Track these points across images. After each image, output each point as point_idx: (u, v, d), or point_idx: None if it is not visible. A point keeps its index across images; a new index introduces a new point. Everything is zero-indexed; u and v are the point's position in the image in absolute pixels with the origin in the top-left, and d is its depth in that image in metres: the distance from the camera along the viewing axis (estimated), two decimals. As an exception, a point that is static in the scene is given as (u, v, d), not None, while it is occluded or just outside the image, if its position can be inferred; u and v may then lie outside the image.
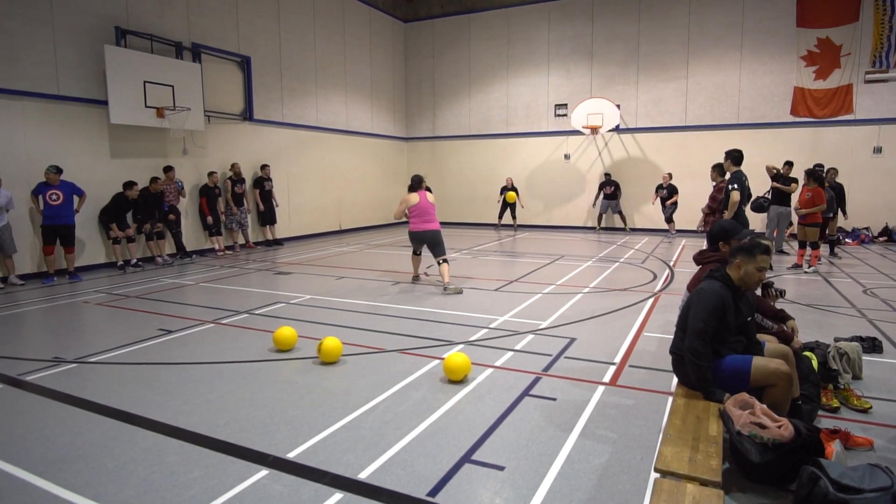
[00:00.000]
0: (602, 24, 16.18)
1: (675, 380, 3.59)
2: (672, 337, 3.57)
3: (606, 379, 4.43)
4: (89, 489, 2.91)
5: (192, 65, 11.36)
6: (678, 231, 15.10)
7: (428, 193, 8.35)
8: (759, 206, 11.16)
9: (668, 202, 14.84)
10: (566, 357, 4.98)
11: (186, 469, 3.09)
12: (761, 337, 3.66)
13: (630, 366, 4.74)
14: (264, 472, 3.05)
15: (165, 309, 6.96)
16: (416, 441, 3.39)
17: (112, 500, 2.80)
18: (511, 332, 5.77)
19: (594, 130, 15.67)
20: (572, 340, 5.47)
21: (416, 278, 8.69)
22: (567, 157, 16.99)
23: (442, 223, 18.12)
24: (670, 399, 3.90)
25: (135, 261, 10.16)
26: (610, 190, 15.90)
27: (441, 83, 18.77)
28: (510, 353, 5.08)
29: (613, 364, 4.78)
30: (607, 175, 16.12)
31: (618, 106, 15.75)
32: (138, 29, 10.45)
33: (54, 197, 8.88)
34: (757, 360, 3.21)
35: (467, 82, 18.27)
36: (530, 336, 5.64)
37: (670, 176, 14.98)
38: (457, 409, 3.87)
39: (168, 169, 10.93)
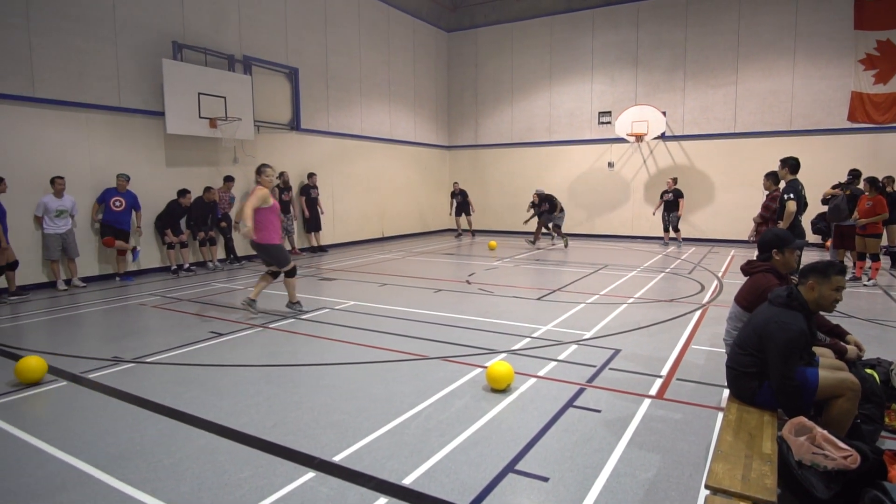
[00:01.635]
0: (648, 30, 15.93)
1: (726, 394, 3.49)
2: (725, 351, 3.47)
3: (653, 392, 4.34)
4: (147, 484, 3.04)
5: (244, 77, 11.76)
6: (679, 241, 14.66)
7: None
8: (819, 230, 10.71)
9: (672, 213, 14.41)
10: (611, 368, 4.90)
11: (237, 468, 3.19)
12: (815, 350, 3.53)
13: (678, 379, 4.62)
14: (311, 474, 3.12)
15: (216, 312, 7.20)
16: (460, 449, 3.40)
17: (168, 496, 2.92)
18: (554, 342, 5.72)
19: (639, 138, 15.41)
20: (617, 351, 5.39)
21: (292, 304, 7.30)
22: (611, 165, 16.75)
23: (482, 231, 17.50)
24: (720, 414, 3.80)
25: (187, 265, 10.57)
26: (545, 207, 14.66)
27: (483, 91, 18.84)
28: (553, 363, 5.04)
29: (660, 377, 4.68)
30: (538, 195, 14.85)
31: (664, 113, 15.45)
32: (194, 43, 10.91)
33: (118, 203, 9.41)
34: (823, 371, 3.09)
35: (510, 90, 18.28)
36: (574, 346, 5.58)
37: (675, 181, 14.55)
38: (500, 418, 3.86)
39: (228, 179, 11.39)
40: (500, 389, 4.33)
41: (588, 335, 6.00)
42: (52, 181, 8.71)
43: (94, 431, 3.72)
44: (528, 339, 5.85)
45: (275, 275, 7.29)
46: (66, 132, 9.16)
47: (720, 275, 9.98)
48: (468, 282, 9.35)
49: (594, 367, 4.94)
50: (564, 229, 15.34)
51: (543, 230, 15.29)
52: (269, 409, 4.06)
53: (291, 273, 7.25)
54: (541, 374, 4.75)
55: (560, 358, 5.21)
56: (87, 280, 9.41)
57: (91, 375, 4.82)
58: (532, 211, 15.15)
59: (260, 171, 7.02)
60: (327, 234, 14.32)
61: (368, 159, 15.97)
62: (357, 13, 15.19)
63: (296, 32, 13.32)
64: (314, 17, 13.83)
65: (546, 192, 15.06)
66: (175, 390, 4.46)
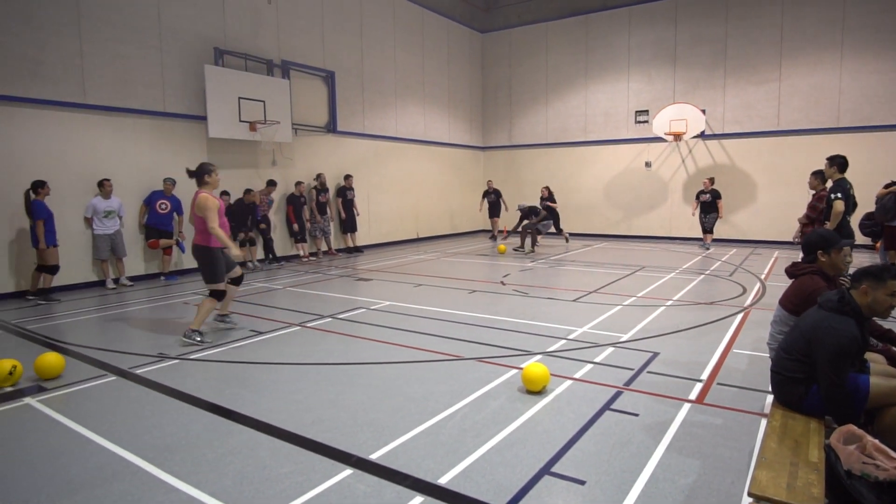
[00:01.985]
0: (686, 26, 15.59)
1: (769, 400, 3.39)
2: (769, 355, 3.37)
3: (692, 396, 4.25)
4: (192, 477, 3.14)
5: (282, 81, 12.01)
6: (709, 241, 14.22)
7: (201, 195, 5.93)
8: (872, 233, 10.19)
9: (709, 214, 13.93)
10: (649, 372, 4.82)
11: (277, 464, 3.27)
12: (867, 356, 3.40)
13: (718, 383, 4.52)
14: (348, 471, 3.17)
15: (256, 311, 7.37)
16: (495, 450, 3.40)
17: (211, 489, 3.01)
18: (590, 344, 5.66)
19: (677, 137, 15.09)
20: (655, 355, 5.29)
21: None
22: (648, 164, 16.44)
23: (515, 232, 17.08)
24: (763, 420, 3.70)
25: (228, 265, 10.84)
26: (532, 219, 13.76)
27: (518, 92, 18.76)
28: (590, 366, 4.99)
29: (700, 381, 4.58)
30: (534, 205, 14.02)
31: (703, 111, 15.09)
32: (234, 49, 11.20)
33: (163, 206, 9.76)
34: (875, 378, 2.97)
35: (544, 90, 18.15)
36: (610, 349, 5.51)
37: (712, 181, 14.00)
38: (535, 419, 3.85)
39: (271, 183, 11.68)
40: (536, 391, 4.31)
41: (625, 338, 5.91)
42: (101, 183, 9.08)
43: (142, 425, 3.86)
44: (563, 341, 5.80)
45: (236, 281, 6.50)
46: (114, 137, 9.53)
47: (763, 277, 9.69)
48: (503, 283, 9.33)
49: (632, 370, 4.87)
50: (602, 228, 14.90)
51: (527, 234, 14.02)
52: (307, 406, 4.14)
53: (217, 296, 6.02)
54: (577, 376, 4.71)
55: (596, 360, 5.15)
56: (133, 279, 9.77)
57: (138, 371, 5.01)
58: (524, 222, 13.88)
59: (209, 170, 6.08)
60: (363, 235, 14.49)
61: (403, 161, 16.09)
62: (392, 16, 15.33)
63: (332, 36, 13.53)
64: (350, 21, 14.02)
65: (527, 204, 14.09)
66: (217, 387, 4.59)
